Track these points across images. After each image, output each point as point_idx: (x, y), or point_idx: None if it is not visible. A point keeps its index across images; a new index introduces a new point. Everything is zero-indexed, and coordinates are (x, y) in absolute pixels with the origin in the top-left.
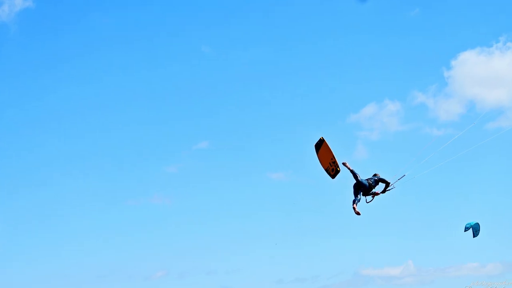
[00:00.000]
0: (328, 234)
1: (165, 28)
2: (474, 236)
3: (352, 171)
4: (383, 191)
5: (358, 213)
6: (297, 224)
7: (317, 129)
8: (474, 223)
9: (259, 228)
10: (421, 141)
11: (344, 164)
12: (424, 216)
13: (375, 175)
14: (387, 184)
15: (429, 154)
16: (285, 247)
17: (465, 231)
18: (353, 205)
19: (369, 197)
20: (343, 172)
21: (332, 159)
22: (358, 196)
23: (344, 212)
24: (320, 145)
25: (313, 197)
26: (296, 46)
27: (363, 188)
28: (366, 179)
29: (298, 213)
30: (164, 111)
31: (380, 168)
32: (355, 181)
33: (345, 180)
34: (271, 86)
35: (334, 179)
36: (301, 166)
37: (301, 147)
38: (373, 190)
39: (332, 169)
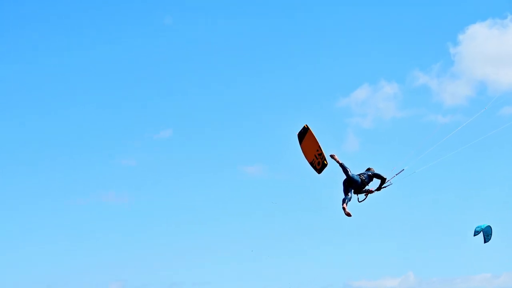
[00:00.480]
0: (314, 239)
1: None
2: (485, 242)
3: (341, 165)
4: (378, 189)
5: (348, 214)
6: (277, 228)
7: (300, 115)
8: (485, 226)
9: (232, 232)
10: (423, 130)
11: (332, 156)
12: (427, 218)
13: (368, 169)
14: (383, 180)
15: (432, 145)
16: (263, 255)
17: (474, 235)
18: (342, 205)
19: (361, 196)
20: (331, 166)
21: (318, 150)
22: (349, 194)
23: (333, 213)
24: (304, 134)
25: (295, 196)
26: (273, 16)
27: (354, 185)
28: (358, 175)
29: (278, 214)
30: (119, 93)
31: (375, 161)
32: (345, 177)
33: (334, 176)
34: (245, 64)
35: (320, 174)
36: (281, 158)
37: (282, 137)
38: (366, 188)
39: (318, 163)
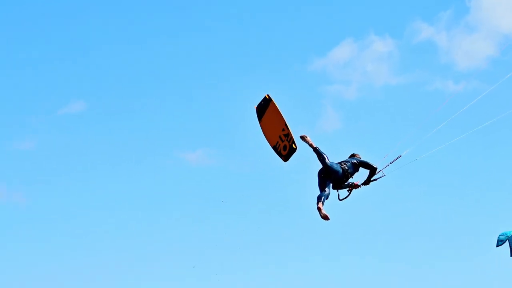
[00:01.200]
0: (278, 251)
1: None
2: None
3: (315, 150)
4: (366, 182)
5: (325, 217)
6: (227, 236)
7: (260, 83)
8: (511, 233)
9: (165, 241)
10: (427, 101)
11: (303, 138)
12: (432, 223)
13: (353, 156)
14: (373, 170)
15: (439, 123)
16: (209, 273)
17: (498, 245)
18: (318, 204)
19: (343, 192)
20: (302, 151)
21: (283, 130)
22: (326, 190)
23: (304, 216)
24: (265, 109)
25: (254, 192)
26: None
27: (333, 177)
28: (339, 163)
29: (229, 217)
30: (11, 57)
31: (361, 145)
32: (321, 166)
33: (305, 165)
34: (185, 13)
35: (287, 161)
36: (233, 141)
37: (235, 112)
38: (350, 181)
39: (284, 147)
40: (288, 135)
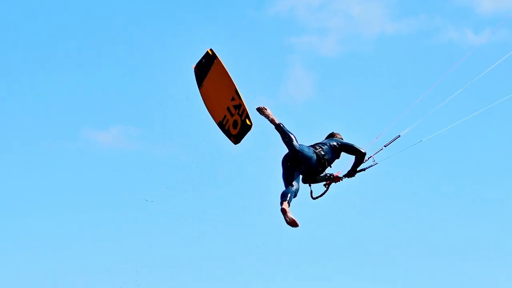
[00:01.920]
0: (223, 268)
1: None
2: None
3: (279, 128)
4: (351, 173)
5: (293, 223)
6: (153, 246)
7: (200, 34)
8: None
9: (71, 247)
10: (435, 58)
11: (261, 111)
12: (443, 227)
13: (332, 136)
14: (360, 156)
15: (454, 89)
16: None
17: None
18: (281, 204)
19: (319, 187)
20: (260, 130)
21: (233, 99)
22: (294, 184)
23: (262, 220)
24: (207, 69)
25: (189, 187)
26: None
27: (304, 166)
28: (311, 146)
29: (157, 220)
30: None
31: (344, 120)
32: (286, 151)
33: (266, 148)
34: None
35: (238, 144)
36: (161, 116)
37: (162, 75)
38: (328, 171)
39: (235, 123)
40: (239, 107)
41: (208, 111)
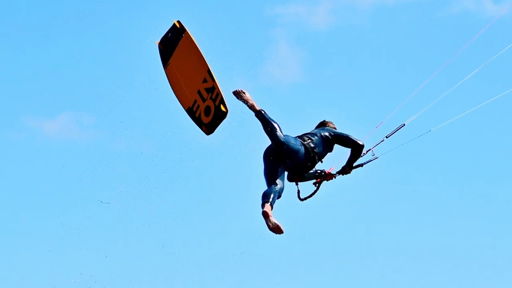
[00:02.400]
0: (200, 283)
1: None
2: None
3: (260, 115)
4: (346, 169)
5: (277, 229)
6: (111, 254)
7: (165, 3)
8: None
9: (14, 253)
10: (447, 33)
11: (238, 95)
12: (452, 232)
13: (323, 125)
14: (357, 149)
15: (468, 70)
16: None
17: None
18: (263, 207)
19: (307, 186)
20: (239, 117)
21: (205, 81)
22: (278, 182)
23: (244, 227)
24: (174, 45)
25: (154, 186)
26: None
27: (290, 161)
28: (299, 138)
29: (112, 225)
30: None
31: (337, 106)
32: (268, 144)
33: (245, 139)
34: None
35: (211, 135)
36: (119, 101)
37: (120, 53)
38: (317, 168)
39: (207, 110)
40: (213, 90)
41: (175, 95)
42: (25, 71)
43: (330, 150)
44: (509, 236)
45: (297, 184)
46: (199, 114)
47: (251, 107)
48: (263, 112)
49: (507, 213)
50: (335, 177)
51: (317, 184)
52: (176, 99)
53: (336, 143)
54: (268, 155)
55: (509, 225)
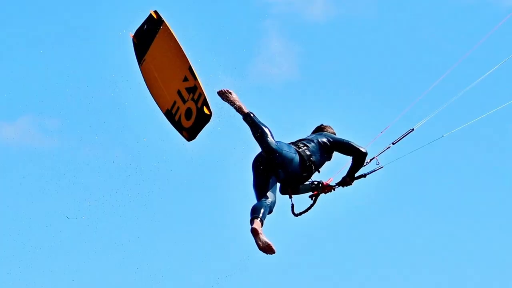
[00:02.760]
0: None
1: None
2: None
3: (248, 118)
4: (347, 180)
5: (267, 248)
6: (81, 280)
7: None
8: None
9: None
10: (460, 26)
11: (224, 95)
12: (476, 255)
13: (320, 130)
14: (359, 157)
15: (486, 68)
16: None
17: None
18: (252, 223)
19: (302, 200)
20: (225, 120)
21: (186, 79)
22: (269, 195)
23: (231, 247)
24: (151, 38)
25: (132, 198)
26: None
27: (283, 171)
28: (293, 144)
29: (85, 243)
30: None
31: (337, 109)
32: (258, 151)
33: (230, 146)
34: None
35: (192, 141)
36: (87, 103)
37: (90, 48)
38: (314, 179)
39: (188, 112)
40: (195, 90)
41: (152, 95)
42: None
43: (329, 158)
44: None
45: (291, 197)
46: (179, 118)
47: (239, 110)
48: (252, 115)
49: None
50: (334, 189)
51: (313, 198)
52: (153, 100)
53: (336, 151)
54: (258, 165)
55: None
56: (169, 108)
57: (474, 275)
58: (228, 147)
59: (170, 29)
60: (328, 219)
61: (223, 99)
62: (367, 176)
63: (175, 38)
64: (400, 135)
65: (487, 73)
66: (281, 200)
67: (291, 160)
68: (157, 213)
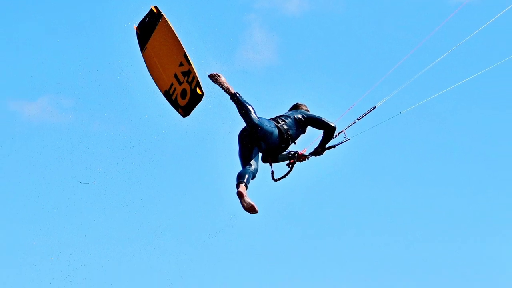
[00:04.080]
0: (175, 261)
1: None
2: None
3: (235, 98)
4: (319, 151)
5: (251, 209)
6: (92, 235)
7: None
8: None
9: None
10: (420, 16)
11: (214, 78)
12: (422, 212)
13: (296, 108)
14: (329, 131)
15: (443, 49)
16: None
17: None
18: (238, 187)
19: (281, 167)
20: (215, 100)
21: (182, 65)
22: (252, 163)
23: (219, 207)
24: (151, 30)
25: (132, 168)
26: None
27: (264, 143)
28: (273, 120)
29: (91, 206)
30: None
31: (310, 90)
32: (243, 126)
33: (219, 122)
34: None
35: (187, 117)
36: (98, 84)
37: (99, 37)
38: (291, 149)
39: (183, 92)
40: (189, 74)
41: (153, 78)
42: (7, 55)
43: (303, 132)
44: (475, 213)
45: (271, 165)
46: (176, 97)
47: (226, 90)
48: (238, 95)
49: (474, 191)
50: (308, 158)
51: (290, 165)
52: (153, 82)
53: (309, 125)
54: (243, 137)
55: (476, 202)
56: (167, 89)
57: (427, 234)
58: (217, 122)
59: (168, 22)
60: (302, 183)
61: (213, 81)
62: (336, 147)
63: (172, 29)
64: (364, 112)
65: (438, 59)
66: (262, 167)
67: (271, 133)
68: (156, 178)
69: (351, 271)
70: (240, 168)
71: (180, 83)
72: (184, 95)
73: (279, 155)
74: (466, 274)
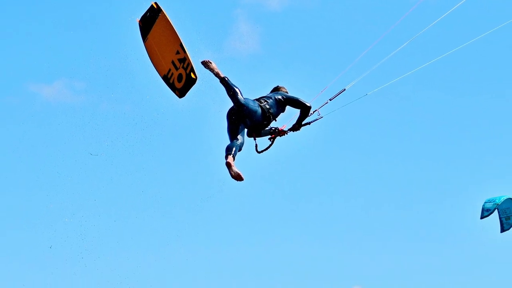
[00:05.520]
0: (173, 222)
1: None
2: (504, 230)
3: (224, 81)
4: (296, 126)
5: (238, 177)
6: (100, 200)
7: None
8: (504, 199)
9: (10, 207)
10: (384, 10)
11: (206, 64)
12: (388, 182)
13: (277, 90)
14: (305, 109)
15: (405, 38)
16: (71, 254)
17: (482, 217)
18: (226, 158)
19: (264, 141)
20: (206, 83)
21: (178, 53)
22: (239, 138)
23: (210, 175)
24: (152, 23)
25: (135, 141)
26: None
27: (249, 120)
28: (257, 100)
29: (101, 175)
30: None
31: (289, 74)
32: (231, 105)
33: (211, 101)
34: None
35: (183, 98)
36: (106, 69)
37: (107, 28)
38: (272, 125)
39: (179, 77)
40: (184, 60)
41: (153, 64)
42: (27, 43)
43: (283, 110)
44: (431, 180)
45: (255, 139)
46: (173, 81)
47: (216, 75)
48: (226, 79)
49: (438, 168)
50: (287, 133)
51: (271, 139)
52: (154, 68)
53: (288, 105)
54: (231, 115)
55: (432, 171)
56: (166, 74)
57: (390, 202)
58: (209, 102)
59: (167, 15)
60: (282, 155)
61: (205, 67)
62: (311, 123)
63: (170, 22)
64: (335, 94)
65: (400, 48)
66: (247, 141)
67: (255, 112)
68: (156, 150)
69: (323, 228)
70: (228, 142)
71: (176, 69)
72: (180, 79)
73: (262, 131)
74: (420, 233)
